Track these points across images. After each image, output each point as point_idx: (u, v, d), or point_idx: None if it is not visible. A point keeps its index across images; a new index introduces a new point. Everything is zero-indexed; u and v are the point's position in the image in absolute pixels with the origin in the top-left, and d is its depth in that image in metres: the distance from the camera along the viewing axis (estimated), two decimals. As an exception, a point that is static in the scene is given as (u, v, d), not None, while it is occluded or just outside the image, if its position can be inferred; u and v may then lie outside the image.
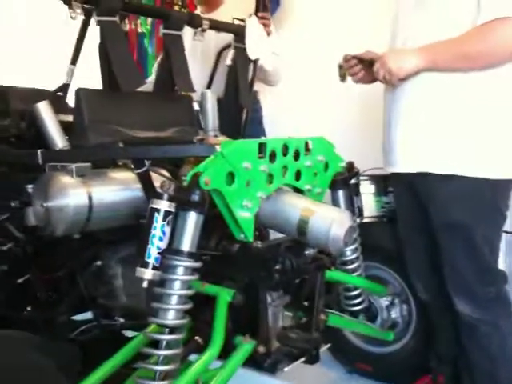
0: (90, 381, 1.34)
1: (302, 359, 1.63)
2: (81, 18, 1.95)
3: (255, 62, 2.35)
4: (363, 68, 1.91)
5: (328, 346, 1.79)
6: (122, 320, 1.71)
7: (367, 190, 2.22)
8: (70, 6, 1.63)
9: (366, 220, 2.15)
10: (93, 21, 1.78)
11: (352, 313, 2.02)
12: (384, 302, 2.13)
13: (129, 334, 1.79)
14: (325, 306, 1.78)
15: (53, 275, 1.66)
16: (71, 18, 1.64)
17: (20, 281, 1.55)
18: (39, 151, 1.50)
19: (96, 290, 1.73)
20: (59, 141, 1.59)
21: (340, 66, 2.09)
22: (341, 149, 1.89)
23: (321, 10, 3.10)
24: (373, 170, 2.22)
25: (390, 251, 2.13)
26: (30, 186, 1.55)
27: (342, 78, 2.15)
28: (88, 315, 1.77)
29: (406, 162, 1.81)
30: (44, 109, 1.59)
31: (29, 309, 1.63)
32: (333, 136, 1.87)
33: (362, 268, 2.02)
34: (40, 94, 2.37)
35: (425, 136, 1.74)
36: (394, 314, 2.14)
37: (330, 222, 1.49)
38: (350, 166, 1.97)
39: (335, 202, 1.95)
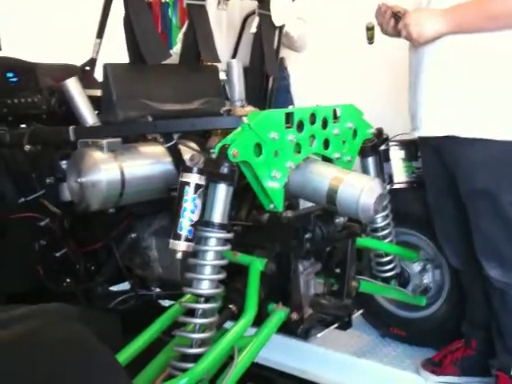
0: (130, 349, 1.40)
1: (335, 325, 1.65)
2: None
3: (280, 28, 2.32)
4: (392, 16, 1.86)
5: (361, 311, 1.81)
6: (157, 290, 1.76)
7: (397, 155, 2.19)
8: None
9: (396, 186, 2.14)
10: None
11: (384, 279, 2.03)
12: (416, 267, 2.13)
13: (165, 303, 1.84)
14: (356, 273, 1.79)
15: (90, 248, 1.71)
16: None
17: (58, 254, 1.60)
18: (71, 128, 1.53)
19: (132, 262, 1.77)
20: (89, 117, 1.61)
21: (367, 28, 2.05)
22: (370, 115, 1.87)
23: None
24: (402, 135, 2.19)
25: (421, 217, 2.10)
26: (63, 162, 1.59)
27: (370, 40, 2.11)
28: (126, 286, 1.83)
29: (431, 126, 1.78)
30: (73, 85, 1.61)
31: (68, 281, 1.68)
32: (362, 102, 1.84)
33: (393, 234, 2.02)
34: (68, 70, 2.40)
35: (450, 99, 1.70)
36: (427, 279, 2.14)
37: (360, 190, 1.48)
38: (379, 133, 1.96)
39: (365, 169, 1.95)
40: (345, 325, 1.68)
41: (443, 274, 2.12)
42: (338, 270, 1.71)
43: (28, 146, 1.51)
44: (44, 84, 2.01)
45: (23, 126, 1.62)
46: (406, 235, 2.18)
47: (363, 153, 1.90)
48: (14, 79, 2.03)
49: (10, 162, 1.52)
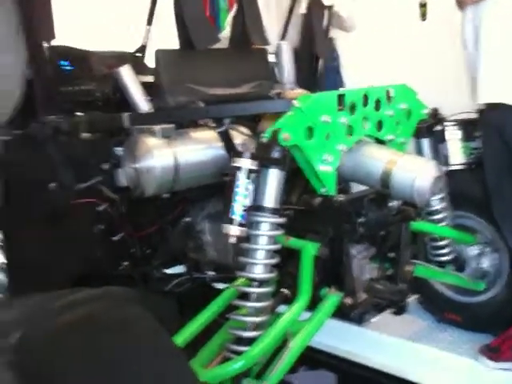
0: (188, 331, 1.43)
1: (390, 310, 1.63)
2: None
3: (330, 8, 2.28)
4: None
5: (416, 296, 1.78)
6: (211, 273, 1.79)
7: (454, 136, 2.12)
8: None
9: (453, 167, 2.08)
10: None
11: (439, 263, 1.98)
12: (473, 251, 2.07)
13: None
14: (412, 257, 1.76)
15: (145, 232, 1.75)
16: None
17: (115, 238, 1.64)
18: (126, 114, 1.55)
19: (186, 245, 1.80)
20: (143, 103, 1.64)
21: (421, 5, 2.00)
22: (424, 94, 1.81)
23: None
24: (459, 114, 2.12)
25: (479, 199, 2.04)
26: (118, 149, 1.62)
27: (423, 16, 2.06)
28: (181, 269, 1.87)
29: (490, 93, 1.71)
30: (126, 73, 1.63)
31: (125, 264, 1.73)
32: (415, 81, 1.79)
33: (449, 218, 1.96)
34: (120, 57, 2.44)
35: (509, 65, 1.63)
36: (485, 263, 2.07)
37: (415, 173, 1.45)
38: (434, 113, 1.90)
39: (420, 151, 1.90)
40: (399, 309, 1.66)
41: (502, 257, 2.05)
42: (392, 255, 1.69)
43: (84, 134, 1.54)
44: (98, 71, 2.05)
45: (79, 113, 1.66)
46: (463, 218, 2.12)
47: (418, 134, 1.85)
48: (69, 67, 2.08)
49: (68, 149, 1.57)
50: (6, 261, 1.53)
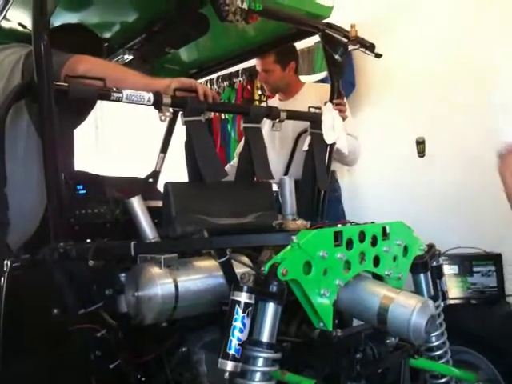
0: None
1: None
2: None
3: (332, 145, 2.43)
4: None
5: None
6: (206, 406, 1.74)
7: (451, 270, 2.16)
8: (160, 110, 1.81)
9: (451, 302, 2.09)
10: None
11: (441, 402, 1.92)
12: (476, 389, 2.02)
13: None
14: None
15: (141, 360, 1.74)
16: (161, 120, 1.81)
17: (112, 366, 1.64)
18: (132, 244, 1.62)
19: (181, 375, 1.78)
20: (149, 233, 1.71)
21: (418, 142, 2.12)
22: (421, 230, 1.88)
23: (394, 90, 3.17)
24: (456, 249, 2.18)
25: (479, 335, 2.03)
26: (122, 275, 1.67)
27: (421, 153, 2.18)
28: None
29: None
30: (136, 203, 1.72)
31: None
32: (413, 216, 1.87)
33: (448, 354, 1.94)
34: (133, 182, 2.58)
35: None
36: (488, 402, 2.01)
37: (411, 311, 1.47)
38: (431, 248, 1.95)
39: (417, 286, 1.92)
40: None
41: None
42: (391, 391, 1.66)
43: (92, 261, 1.60)
44: (111, 195, 2.16)
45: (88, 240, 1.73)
46: (464, 354, 2.10)
47: (415, 269, 1.89)
48: (83, 191, 2.20)
49: (74, 274, 1.62)
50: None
